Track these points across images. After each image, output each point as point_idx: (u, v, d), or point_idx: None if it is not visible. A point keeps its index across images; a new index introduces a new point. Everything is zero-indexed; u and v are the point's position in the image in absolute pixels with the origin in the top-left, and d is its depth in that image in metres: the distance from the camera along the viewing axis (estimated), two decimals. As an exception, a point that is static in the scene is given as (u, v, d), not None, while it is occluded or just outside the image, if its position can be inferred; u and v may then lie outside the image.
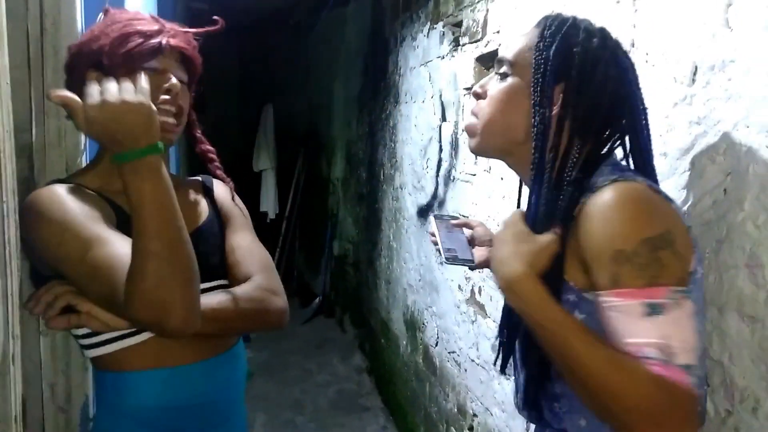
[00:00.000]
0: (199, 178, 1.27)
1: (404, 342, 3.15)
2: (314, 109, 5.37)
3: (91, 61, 1.03)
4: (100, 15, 1.11)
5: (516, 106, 0.95)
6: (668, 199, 0.88)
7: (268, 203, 5.76)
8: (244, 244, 1.18)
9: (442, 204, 2.58)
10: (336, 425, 3.23)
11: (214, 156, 1.26)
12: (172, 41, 1.06)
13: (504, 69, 0.98)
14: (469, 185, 2.26)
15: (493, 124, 0.98)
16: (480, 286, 2.16)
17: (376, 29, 3.73)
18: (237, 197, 1.27)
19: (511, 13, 1.90)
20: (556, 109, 0.93)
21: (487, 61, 2.15)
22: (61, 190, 0.98)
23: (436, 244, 1.25)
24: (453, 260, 1.22)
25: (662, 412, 0.76)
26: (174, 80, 1.05)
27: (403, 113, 3.15)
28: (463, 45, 2.32)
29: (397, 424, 3.22)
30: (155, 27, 1.06)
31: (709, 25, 1.05)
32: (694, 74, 1.09)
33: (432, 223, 1.28)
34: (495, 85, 0.99)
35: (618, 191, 0.84)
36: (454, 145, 2.43)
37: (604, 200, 0.84)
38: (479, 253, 1.26)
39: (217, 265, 1.15)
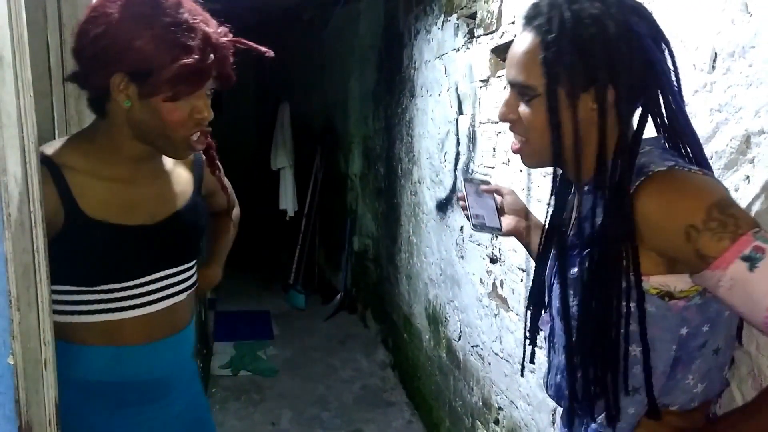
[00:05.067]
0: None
1: (427, 336, 3.15)
2: (330, 105, 5.38)
3: (124, 64, 0.94)
4: None
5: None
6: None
7: (287, 201, 5.78)
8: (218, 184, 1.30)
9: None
10: (362, 420, 3.25)
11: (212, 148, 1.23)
12: (221, 63, 1.04)
13: (521, 92, 0.93)
14: (487, 178, 2.25)
15: (544, 150, 0.94)
16: (502, 280, 2.15)
17: (389, 23, 3.72)
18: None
19: (525, 3, 1.88)
20: (591, 113, 0.88)
21: (503, 52, 2.13)
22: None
23: (464, 208, 1.23)
24: (481, 227, 1.20)
25: None
26: (208, 113, 1.05)
27: (420, 107, 3.14)
28: (478, 37, 2.31)
29: (422, 419, 3.23)
30: (207, 47, 0.99)
31: (728, 11, 1.04)
32: (714, 61, 1.07)
33: (462, 186, 1.25)
34: (526, 111, 0.93)
35: (671, 176, 0.83)
36: (472, 138, 2.42)
37: (660, 188, 0.83)
38: (507, 221, 1.24)
39: (191, 248, 1.22)
